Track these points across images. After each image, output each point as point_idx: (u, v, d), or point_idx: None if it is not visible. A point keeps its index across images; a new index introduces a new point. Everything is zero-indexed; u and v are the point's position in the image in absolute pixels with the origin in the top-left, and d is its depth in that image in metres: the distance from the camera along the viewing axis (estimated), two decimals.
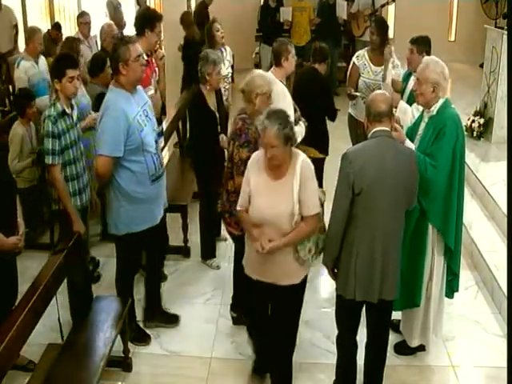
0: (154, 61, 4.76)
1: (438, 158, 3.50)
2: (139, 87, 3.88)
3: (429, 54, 4.67)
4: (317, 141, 5.04)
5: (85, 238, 4.06)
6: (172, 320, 4.30)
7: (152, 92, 4.50)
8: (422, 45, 4.74)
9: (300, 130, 4.49)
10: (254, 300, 3.57)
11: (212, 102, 4.78)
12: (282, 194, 3.22)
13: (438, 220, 3.63)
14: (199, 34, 7.57)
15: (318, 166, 4.55)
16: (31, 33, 5.86)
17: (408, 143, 3.57)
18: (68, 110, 3.93)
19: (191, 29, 7.78)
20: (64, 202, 3.90)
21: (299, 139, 4.28)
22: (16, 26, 7.64)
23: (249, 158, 3.54)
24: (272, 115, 3.13)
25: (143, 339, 4.13)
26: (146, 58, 4.50)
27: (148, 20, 4.57)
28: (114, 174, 3.70)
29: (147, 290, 4.30)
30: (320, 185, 4.06)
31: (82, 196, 4.07)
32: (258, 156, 3.35)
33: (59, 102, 3.88)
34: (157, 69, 4.98)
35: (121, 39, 3.75)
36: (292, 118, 3.97)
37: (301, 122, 4.64)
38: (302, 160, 3.25)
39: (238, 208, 3.40)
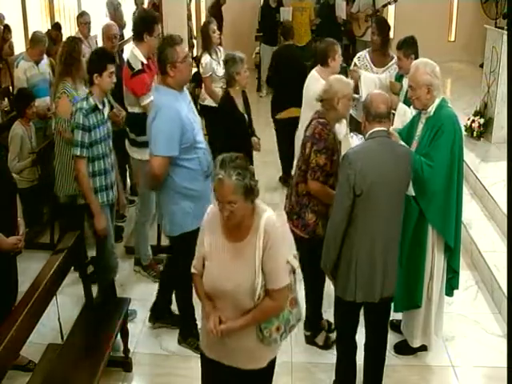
0: (153, 65, 4.67)
1: (434, 158, 3.49)
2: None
3: (417, 54, 4.64)
4: None
5: (104, 234, 4.01)
6: (176, 322, 4.28)
7: (150, 99, 4.36)
8: (408, 48, 4.71)
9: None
10: None
11: (240, 105, 4.78)
12: (242, 261, 2.60)
13: (437, 220, 3.62)
14: None
15: None
16: (35, 41, 5.86)
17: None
18: (100, 106, 3.93)
19: None
20: (86, 196, 3.90)
21: None
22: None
23: (325, 164, 3.50)
24: (228, 163, 2.51)
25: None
26: (145, 62, 4.52)
27: (145, 24, 4.54)
28: (170, 172, 3.70)
29: (161, 289, 4.28)
30: None
31: (108, 192, 4.04)
32: (213, 211, 2.72)
33: (92, 96, 3.88)
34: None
35: (167, 40, 3.72)
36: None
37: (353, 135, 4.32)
38: (268, 217, 2.61)
39: (192, 270, 2.81)
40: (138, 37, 4.55)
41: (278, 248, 2.61)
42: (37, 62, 5.79)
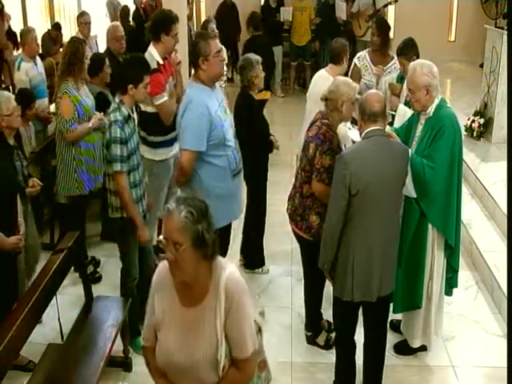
0: (169, 65, 4.64)
1: (435, 159, 3.49)
2: (217, 83, 3.87)
3: (418, 55, 4.64)
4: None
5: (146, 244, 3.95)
6: None
7: (164, 99, 4.38)
8: (409, 51, 4.70)
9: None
10: None
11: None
12: (201, 330, 2.18)
13: (438, 220, 3.62)
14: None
15: None
16: (25, 34, 5.84)
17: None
18: (132, 114, 3.77)
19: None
20: (130, 211, 3.70)
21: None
22: None
23: (330, 166, 3.46)
24: (184, 200, 2.12)
25: None
26: (161, 62, 4.48)
27: (163, 24, 4.47)
28: (196, 169, 3.70)
29: None
30: None
31: (142, 203, 3.89)
32: (164, 269, 2.23)
33: (124, 106, 3.68)
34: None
35: (200, 34, 3.73)
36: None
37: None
38: (229, 274, 2.19)
39: (143, 343, 2.41)
40: (155, 36, 4.49)
41: (243, 310, 2.20)
42: (35, 62, 5.76)
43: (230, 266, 2.25)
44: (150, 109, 4.49)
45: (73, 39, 4.82)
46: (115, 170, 3.62)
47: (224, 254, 4.04)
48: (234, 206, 3.96)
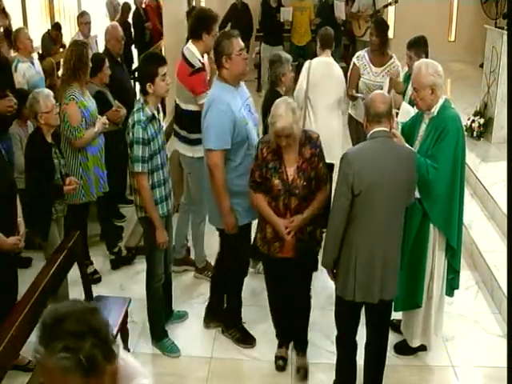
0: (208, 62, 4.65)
1: (439, 160, 3.49)
2: (242, 82, 3.87)
3: (427, 54, 4.65)
4: None
5: (166, 246, 3.91)
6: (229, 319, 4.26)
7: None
8: (420, 47, 4.74)
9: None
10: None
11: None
12: None
13: (440, 221, 3.62)
14: None
15: None
16: (17, 33, 5.84)
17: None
18: (156, 115, 3.74)
19: None
20: (149, 211, 3.72)
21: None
22: None
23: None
24: (52, 334, 1.56)
25: (248, 341, 4.10)
26: (202, 61, 4.49)
27: (204, 23, 4.46)
28: None
29: (212, 288, 4.27)
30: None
31: (167, 202, 3.86)
32: None
33: (148, 106, 3.66)
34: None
35: (223, 34, 3.74)
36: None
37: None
38: None
39: None
40: (195, 35, 4.48)
41: None
42: (32, 62, 5.74)
43: (140, 376, 1.71)
44: (192, 107, 4.49)
45: (76, 42, 4.78)
46: (135, 170, 3.64)
47: (246, 254, 4.03)
48: None
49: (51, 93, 4.05)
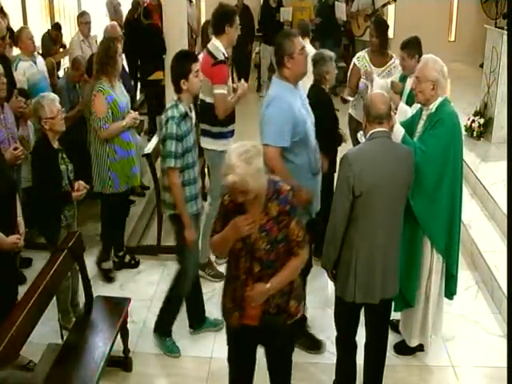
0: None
1: (428, 144, 3.47)
2: (300, 82, 3.88)
3: (420, 55, 4.65)
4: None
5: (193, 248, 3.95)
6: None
7: (223, 91, 4.46)
8: (413, 48, 4.73)
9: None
10: None
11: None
12: None
13: (422, 215, 3.56)
14: None
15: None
16: (19, 33, 5.85)
17: (398, 127, 3.52)
18: (189, 113, 3.79)
19: None
20: (179, 208, 3.74)
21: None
22: None
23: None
24: None
25: (319, 346, 4.07)
26: (226, 54, 4.60)
27: (227, 16, 4.62)
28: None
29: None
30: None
31: (197, 201, 3.89)
32: None
33: (181, 103, 3.72)
34: None
35: (283, 33, 3.75)
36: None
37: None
38: None
39: None
40: (218, 29, 4.62)
41: None
42: (34, 61, 5.75)
43: None
44: (208, 99, 4.56)
45: (104, 38, 4.80)
46: (168, 165, 3.67)
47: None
48: (313, 204, 3.91)
49: (57, 97, 4.00)
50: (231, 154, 2.65)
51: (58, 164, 3.95)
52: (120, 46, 5.76)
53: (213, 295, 4.58)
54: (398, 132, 3.53)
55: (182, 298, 4.04)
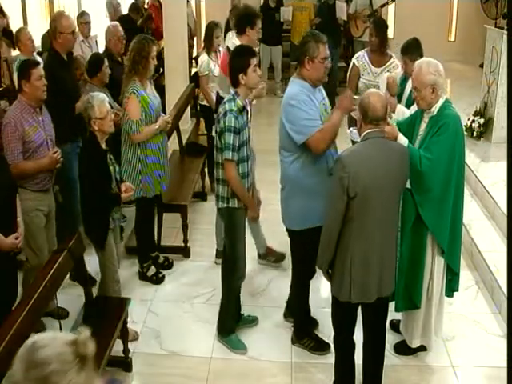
0: None
1: (433, 152, 3.47)
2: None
3: (421, 55, 4.63)
4: None
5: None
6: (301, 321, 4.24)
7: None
8: (414, 52, 4.69)
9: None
10: None
11: None
12: None
13: (430, 216, 3.57)
14: None
15: None
16: (18, 33, 5.84)
17: (401, 138, 3.53)
18: (246, 107, 3.82)
19: None
20: (241, 196, 3.80)
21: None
22: None
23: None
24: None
25: (324, 348, 4.05)
26: None
27: (248, 18, 4.84)
28: (293, 164, 3.71)
29: (292, 286, 4.27)
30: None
31: (248, 194, 3.93)
32: None
33: (238, 97, 3.73)
34: None
35: (314, 35, 3.78)
36: None
37: None
38: None
39: None
40: (240, 30, 4.93)
41: None
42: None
43: None
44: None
45: (140, 37, 4.76)
46: (226, 157, 3.69)
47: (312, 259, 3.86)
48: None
49: (106, 98, 3.90)
50: None
51: (108, 165, 3.87)
52: (122, 47, 5.79)
53: (213, 295, 4.61)
54: (402, 142, 3.52)
55: (237, 291, 4.07)
